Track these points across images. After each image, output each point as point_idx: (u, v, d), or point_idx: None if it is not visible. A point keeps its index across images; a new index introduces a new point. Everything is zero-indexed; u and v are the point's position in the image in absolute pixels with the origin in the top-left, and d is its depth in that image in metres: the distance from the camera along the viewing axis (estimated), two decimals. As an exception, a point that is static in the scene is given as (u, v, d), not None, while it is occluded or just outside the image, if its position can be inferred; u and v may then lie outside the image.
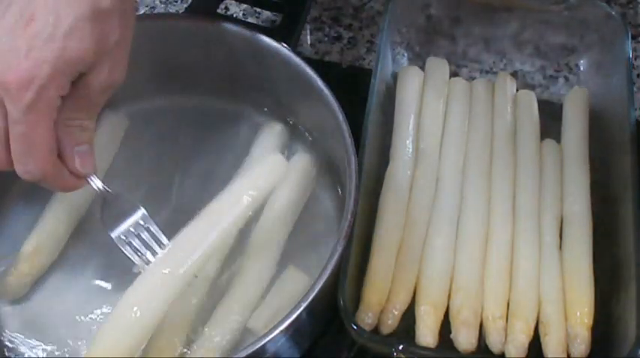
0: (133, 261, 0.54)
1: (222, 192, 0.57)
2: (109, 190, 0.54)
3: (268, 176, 0.58)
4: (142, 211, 0.55)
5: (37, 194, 0.61)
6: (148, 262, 0.53)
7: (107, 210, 0.54)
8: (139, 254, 0.54)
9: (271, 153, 0.63)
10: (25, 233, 0.61)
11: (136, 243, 0.54)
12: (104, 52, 0.46)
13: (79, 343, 0.57)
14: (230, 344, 0.55)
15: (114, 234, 0.54)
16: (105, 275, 0.60)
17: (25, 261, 0.59)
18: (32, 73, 0.42)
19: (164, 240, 0.54)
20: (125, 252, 0.54)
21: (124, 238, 0.54)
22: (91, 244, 0.62)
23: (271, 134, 0.66)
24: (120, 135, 0.66)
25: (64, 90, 0.45)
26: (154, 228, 0.55)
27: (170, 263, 0.53)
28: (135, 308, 0.51)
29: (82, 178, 0.51)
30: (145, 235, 0.54)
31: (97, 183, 0.53)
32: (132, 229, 0.54)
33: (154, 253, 0.54)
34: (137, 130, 0.67)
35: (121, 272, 0.59)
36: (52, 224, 0.61)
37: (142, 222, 0.55)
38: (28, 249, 0.60)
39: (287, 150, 0.66)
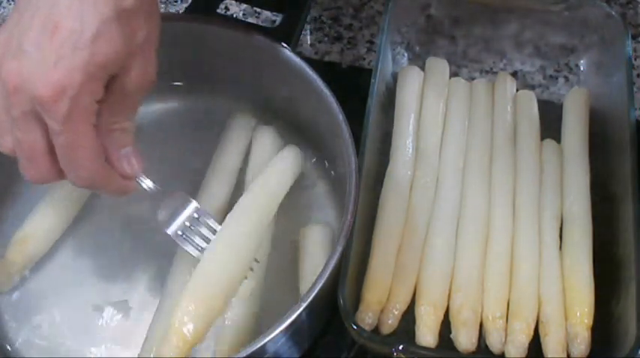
0: (192, 255, 0.55)
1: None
2: (160, 188, 0.54)
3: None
4: (194, 204, 0.56)
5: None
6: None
7: (161, 208, 0.55)
8: (199, 249, 0.55)
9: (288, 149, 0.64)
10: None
11: (193, 237, 0.55)
12: (133, 52, 0.45)
13: (77, 339, 0.58)
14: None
15: (171, 231, 0.55)
16: (104, 269, 0.61)
17: (14, 250, 0.59)
18: (64, 83, 0.42)
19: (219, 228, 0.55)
20: (185, 248, 0.55)
21: (181, 234, 0.55)
22: (91, 237, 0.63)
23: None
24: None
25: (98, 94, 0.45)
26: (209, 220, 0.55)
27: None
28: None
29: (131, 180, 0.51)
30: (202, 228, 0.55)
31: (146, 182, 0.53)
32: (187, 223, 0.55)
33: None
34: (136, 131, 0.67)
35: (120, 265, 0.61)
36: (45, 214, 0.61)
37: (196, 215, 0.55)
38: (18, 238, 0.60)
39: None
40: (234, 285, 0.53)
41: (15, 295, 0.60)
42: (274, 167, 0.61)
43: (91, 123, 0.45)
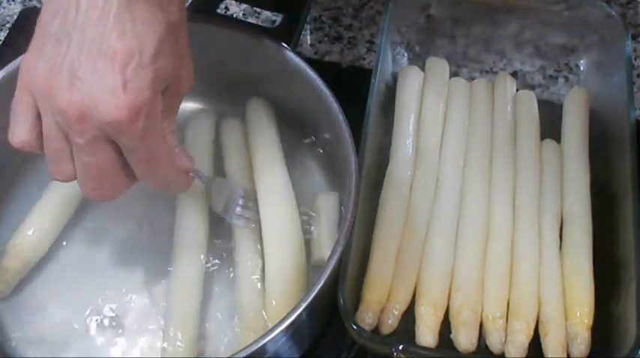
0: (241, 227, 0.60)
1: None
2: (207, 176, 0.59)
3: None
4: (241, 188, 0.61)
5: (40, 184, 0.63)
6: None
7: (211, 194, 0.59)
8: (251, 223, 0.60)
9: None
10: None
11: (245, 215, 0.60)
12: (183, 60, 0.48)
13: (76, 339, 0.58)
14: None
15: (227, 216, 0.60)
16: (101, 271, 0.61)
17: (10, 256, 0.59)
18: (137, 104, 0.43)
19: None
20: (239, 224, 0.60)
21: (234, 215, 0.60)
22: (86, 239, 0.63)
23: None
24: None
25: (160, 106, 0.46)
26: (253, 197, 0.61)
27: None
28: None
29: (188, 174, 0.54)
30: (250, 206, 0.61)
31: (197, 173, 0.56)
32: (240, 203, 0.60)
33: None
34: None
35: (116, 266, 0.61)
36: (39, 218, 0.61)
37: (245, 194, 0.61)
38: (14, 244, 0.60)
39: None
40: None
41: (15, 296, 0.60)
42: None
43: (160, 133, 0.47)
